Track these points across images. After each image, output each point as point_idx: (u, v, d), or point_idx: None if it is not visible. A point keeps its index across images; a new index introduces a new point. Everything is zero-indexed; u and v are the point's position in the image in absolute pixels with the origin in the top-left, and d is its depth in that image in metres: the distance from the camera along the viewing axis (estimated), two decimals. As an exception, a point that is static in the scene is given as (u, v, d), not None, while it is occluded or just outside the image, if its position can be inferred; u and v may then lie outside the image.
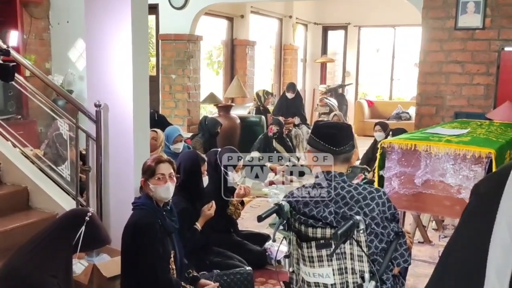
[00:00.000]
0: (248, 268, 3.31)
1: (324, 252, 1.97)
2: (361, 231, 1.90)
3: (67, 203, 3.81)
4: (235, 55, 8.67)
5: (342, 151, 2.10)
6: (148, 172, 2.73)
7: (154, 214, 2.69)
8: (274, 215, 2.07)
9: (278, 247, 2.17)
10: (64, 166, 3.89)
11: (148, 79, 3.79)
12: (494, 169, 3.01)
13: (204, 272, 3.16)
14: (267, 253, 3.82)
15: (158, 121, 6.33)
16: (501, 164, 3.19)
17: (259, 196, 5.70)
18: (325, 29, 11.66)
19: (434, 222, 4.58)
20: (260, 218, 2.02)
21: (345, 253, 1.97)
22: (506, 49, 5.39)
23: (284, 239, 2.16)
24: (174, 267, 2.79)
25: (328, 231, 1.97)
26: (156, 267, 2.61)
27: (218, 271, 3.19)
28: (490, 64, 5.47)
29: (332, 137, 2.10)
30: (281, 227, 2.06)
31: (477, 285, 0.75)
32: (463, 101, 5.64)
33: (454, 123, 4.30)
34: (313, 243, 1.98)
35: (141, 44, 3.61)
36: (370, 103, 10.86)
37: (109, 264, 3.20)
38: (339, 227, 1.88)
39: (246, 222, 4.81)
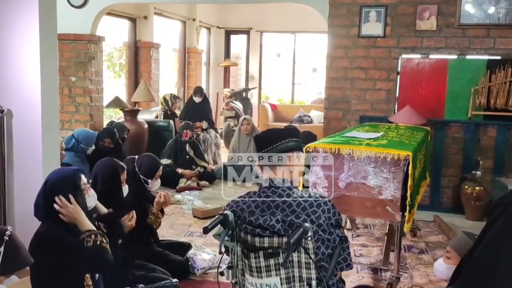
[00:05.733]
0: (174, 280, 3.18)
1: (272, 261, 1.92)
2: (309, 238, 1.88)
3: (-37, 220, 3.41)
4: (139, 57, 8.37)
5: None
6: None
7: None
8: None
9: (220, 258, 2.08)
10: (-41, 179, 3.46)
11: (58, 82, 3.51)
12: (410, 171, 3.17)
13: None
14: (189, 263, 3.71)
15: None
16: (416, 165, 3.37)
17: (172, 203, 5.53)
18: (228, 33, 11.71)
19: (348, 222, 4.74)
20: (206, 230, 1.92)
21: (292, 261, 1.93)
22: (404, 56, 5.76)
23: (229, 249, 2.08)
24: (90, 283, 2.60)
25: (276, 240, 1.92)
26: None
27: (143, 285, 3.03)
28: (390, 70, 5.80)
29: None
30: (226, 238, 1.98)
31: None
32: (367, 105, 5.92)
33: (366, 127, 4.48)
34: (261, 253, 1.92)
35: (50, 43, 3.34)
36: (274, 107, 11.05)
37: (19, 286, 2.93)
38: (290, 235, 1.84)
39: (162, 230, 4.63)
